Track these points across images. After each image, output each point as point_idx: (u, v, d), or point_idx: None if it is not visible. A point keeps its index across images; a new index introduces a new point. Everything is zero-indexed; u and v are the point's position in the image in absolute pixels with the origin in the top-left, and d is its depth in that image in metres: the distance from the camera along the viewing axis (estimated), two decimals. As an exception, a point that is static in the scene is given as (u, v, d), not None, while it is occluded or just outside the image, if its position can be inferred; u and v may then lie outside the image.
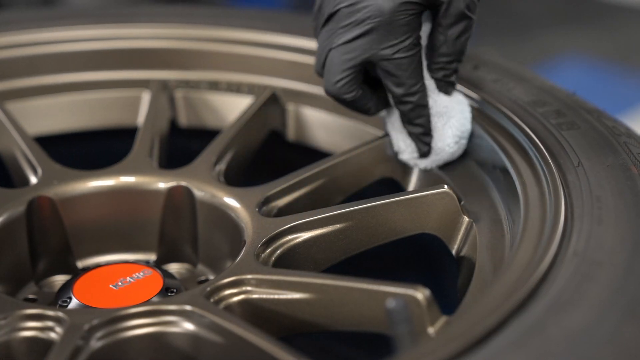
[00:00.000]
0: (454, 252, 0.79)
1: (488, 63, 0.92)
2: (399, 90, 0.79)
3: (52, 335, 0.67)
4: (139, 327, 0.68)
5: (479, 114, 0.85)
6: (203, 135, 0.95)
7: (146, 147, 0.90)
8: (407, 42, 0.77)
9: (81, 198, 0.85)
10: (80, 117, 1.00)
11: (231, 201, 0.82)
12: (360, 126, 0.94)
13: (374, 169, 0.88)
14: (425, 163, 0.84)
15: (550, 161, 0.75)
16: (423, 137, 0.82)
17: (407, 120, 0.81)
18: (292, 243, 0.77)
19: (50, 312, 0.68)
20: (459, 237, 0.78)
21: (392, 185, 0.88)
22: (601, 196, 0.70)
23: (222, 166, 0.88)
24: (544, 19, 2.81)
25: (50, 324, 0.68)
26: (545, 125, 0.81)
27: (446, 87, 0.82)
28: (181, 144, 0.97)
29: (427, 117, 0.81)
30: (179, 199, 0.85)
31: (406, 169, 0.87)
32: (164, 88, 0.99)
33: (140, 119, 0.98)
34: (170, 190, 0.85)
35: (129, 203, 0.86)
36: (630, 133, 0.80)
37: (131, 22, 1.02)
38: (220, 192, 0.83)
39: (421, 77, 0.80)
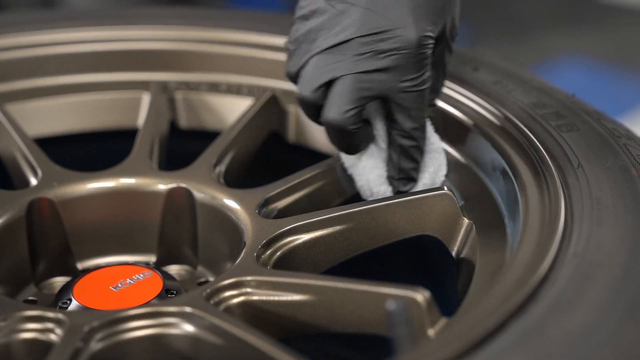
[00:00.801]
0: (453, 253, 0.79)
1: (487, 65, 0.92)
2: (408, 124, 0.76)
3: (52, 337, 0.67)
4: (139, 329, 0.68)
5: (479, 116, 0.85)
6: (203, 137, 0.95)
7: (146, 148, 0.90)
8: (425, 75, 0.75)
9: (81, 200, 0.85)
10: (81, 118, 1.00)
11: (231, 203, 0.82)
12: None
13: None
14: None
15: (550, 163, 0.75)
16: (413, 173, 0.79)
17: (406, 155, 0.78)
18: (292, 245, 0.77)
19: (50, 314, 0.68)
20: (459, 238, 0.78)
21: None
22: (601, 198, 0.70)
23: (222, 168, 0.88)
24: (543, 20, 2.81)
25: (50, 325, 0.68)
26: (544, 127, 0.81)
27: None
28: (181, 146, 0.97)
29: (423, 151, 0.79)
30: (179, 200, 0.85)
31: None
32: (164, 90, 0.99)
33: (140, 120, 0.98)
34: (170, 192, 0.85)
35: (129, 205, 0.86)
36: (630, 135, 0.80)
37: (131, 23, 1.02)
38: (220, 193, 0.84)
39: (426, 110, 0.78)
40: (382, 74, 0.73)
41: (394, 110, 0.76)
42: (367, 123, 0.79)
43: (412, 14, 0.73)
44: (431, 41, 0.74)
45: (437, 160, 0.81)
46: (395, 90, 0.74)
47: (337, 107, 0.74)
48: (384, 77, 0.73)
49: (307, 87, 0.75)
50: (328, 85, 0.75)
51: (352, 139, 0.77)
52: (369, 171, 0.80)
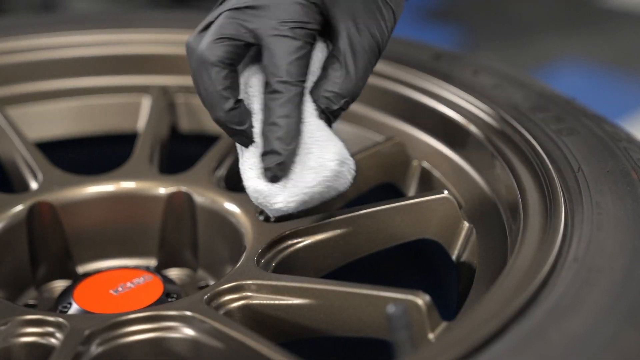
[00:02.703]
0: (454, 257, 0.79)
1: (488, 68, 0.92)
2: (274, 78, 0.70)
3: (53, 340, 0.67)
4: (140, 333, 0.68)
5: (479, 120, 0.85)
6: (203, 141, 0.95)
7: (146, 152, 0.90)
8: (306, 35, 0.70)
9: (82, 203, 0.86)
10: (81, 122, 1.00)
11: (231, 206, 0.82)
12: (359, 132, 0.94)
13: (374, 174, 0.88)
14: (279, 199, 0.71)
15: (550, 167, 0.75)
16: (276, 168, 0.70)
17: (268, 143, 0.70)
18: (292, 248, 0.77)
19: (50, 318, 0.68)
20: (459, 242, 0.78)
21: (392, 190, 0.89)
22: (601, 202, 0.71)
23: (222, 171, 0.88)
24: (543, 24, 2.81)
25: (50, 329, 0.68)
26: (545, 131, 0.81)
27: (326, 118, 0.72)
28: (181, 150, 0.97)
29: (293, 138, 0.70)
30: (180, 204, 0.85)
31: (406, 174, 0.88)
32: (164, 93, 0.99)
33: (141, 124, 0.98)
34: (171, 196, 0.85)
35: (129, 208, 0.86)
36: (630, 138, 0.80)
37: (131, 27, 1.03)
38: (220, 197, 0.84)
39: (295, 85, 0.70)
40: (257, 10, 0.70)
41: (264, 59, 0.70)
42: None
43: None
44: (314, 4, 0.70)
45: (318, 156, 0.70)
46: (269, 29, 0.69)
47: (205, 39, 0.70)
48: (258, 13, 0.70)
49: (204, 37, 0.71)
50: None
51: (225, 102, 0.70)
52: (242, 163, 0.72)
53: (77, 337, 0.66)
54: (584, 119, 0.83)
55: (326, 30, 0.73)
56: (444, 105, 0.88)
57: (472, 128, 0.84)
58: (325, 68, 0.72)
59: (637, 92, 2.43)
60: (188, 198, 0.85)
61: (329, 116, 0.72)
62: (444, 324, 0.66)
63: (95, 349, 0.66)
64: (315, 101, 0.72)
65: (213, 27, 0.71)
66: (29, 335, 0.68)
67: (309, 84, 0.72)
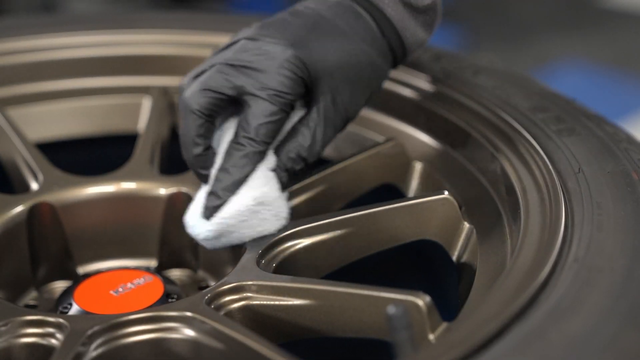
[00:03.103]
0: (454, 258, 0.79)
1: (488, 69, 0.92)
2: (243, 132, 0.75)
3: (53, 341, 0.67)
4: (140, 334, 0.68)
5: (479, 120, 0.85)
6: (204, 142, 0.95)
7: (147, 153, 0.90)
8: (284, 106, 0.75)
9: (82, 204, 0.86)
10: (81, 123, 1.00)
11: (232, 207, 0.82)
12: (360, 132, 0.94)
13: (375, 175, 0.88)
14: (200, 230, 0.75)
15: (550, 167, 0.75)
16: (212, 198, 0.75)
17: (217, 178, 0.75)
18: (292, 249, 0.77)
19: (50, 319, 0.68)
20: (460, 243, 0.78)
21: (393, 191, 0.89)
22: (602, 202, 0.70)
23: (222, 172, 0.88)
24: (543, 24, 2.81)
25: (51, 330, 0.68)
26: (545, 131, 0.81)
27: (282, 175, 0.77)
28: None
29: (234, 183, 0.75)
30: (180, 205, 0.85)
31: (407, 175, 0.88)
32: (164, 94, 0.99)
33: (141, 125, 0.98)
34: (171, 197, 0.85)
35: (129, 209, 0.87)
36: (630, 139, 0.80)
37: (132, 28, 1.03)
38: (220, 198, 0.83)
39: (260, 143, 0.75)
40: (246, 70, 0.75)
41: (242, 113, 0.75)
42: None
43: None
44: (297, 73, 0.75)
45: (241, 195, 0.75)
46: (252, 88, 0.74)
47: (193, 87, 0.75)
48: (247, 72, 0.75)
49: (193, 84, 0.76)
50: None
51: (196, 140, 0.75)
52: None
53: (77, 338, 0.66)
54: (584, 120, 0.83)
55: (306, 95, 0.77)
56: (444, 105, 0.88)
57: (473, 128, 0.84)
58: (294, 130, 0.77)
59: (638, 93, 2.43)
60: (188, 199, 0.85)
61: (286, 173, 0.77)
62: (444, 325, 0.66)
63: (95, 350, 0.66)
64: (278, 158, 0.77)
65: (202, 77, 0.76)
66: (30, 336, 0.68)
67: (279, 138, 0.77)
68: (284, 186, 0.77)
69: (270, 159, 0.77)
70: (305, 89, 0.77)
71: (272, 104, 0.74)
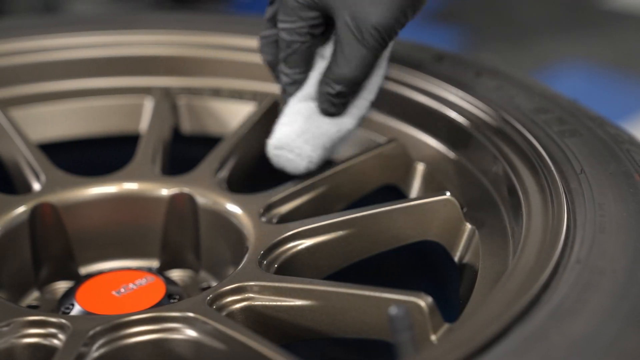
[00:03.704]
0: (456, 259, 0.79)
1: (490, 70, 0.92)
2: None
3: (55, 341, 0.68)
4: (142, 334, 0.68)
5: (481, 122, 0.85)
6: (206, 142, 0.95)
7: (149, 154, 0.90)
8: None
9: (84, 205, 0.86)
10: (83, 123, 1.00)
11: (234, 208, 0.82)
12: (362, 133, 0.94)
13: (376, 175, 0.88)
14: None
15: (552, 168, 0.75)
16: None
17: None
18: (294, 250, 0.77)
19: (53, 319, 0.68)
20: (462, 244, 0.78)
21: (395, 192, 0.89)
22: (604, 204, 0.70)
23: (224, 173, 0.88)
24: (545, 25, 2.81)
25: (53, 330, 0.68)
26: (547, 133, 0.81)
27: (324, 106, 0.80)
28: (184, 151, 0.97)
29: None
30: (182, 205, 0.85)
31: (408, 176, 0.88)
32: (166, 95, 0.99)
33: (143, 125, 0.98)
34: (173, 197, 0.86)
35: (131, 210, 0.87)
36: (633, 140, 0.80)
37: (134, 29, 1.03)
38: (222, 199, 0.84)
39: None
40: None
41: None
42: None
43: None
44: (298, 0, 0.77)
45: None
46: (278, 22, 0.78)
47: None
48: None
49: None
50: None
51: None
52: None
53: (79, 338, 0.66)
54: (586, 121, 0.83)
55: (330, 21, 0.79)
56: (446, 106, 0.88)
57: (475, 130, 0.85)
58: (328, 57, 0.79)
59: (639, 94, 2.43)
60: (190, 199, 0.85)
61: (327, 101, 0.79)
62: (446, 326, 0.66)
63: (97, 350, 0.66)
64: (317, 87, 0.80)
65: None
66: (32, 337, 0.68)
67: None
68: (330, 114, 0.79)
69: (305, 91, 0.80)
70: (320, 13, 0.78)
71: (287, 35, 0.78)
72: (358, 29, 0.76)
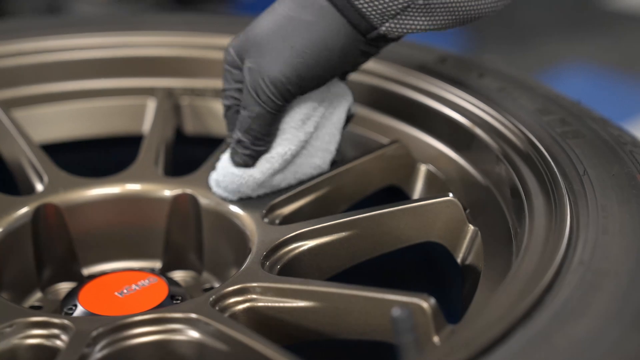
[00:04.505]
0: (459, 260, 0.79)
1: (493, 71, 0.92)
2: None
3: (58, 342, 0.68)
4: (145, 335, 0.68)
5: (484, 123, 0.85)
6: (208, 143, 0.95)
7: (152, 154, 0.90)
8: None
9: (87, 205, 0.86)
10: (86, 124, 1.00)
11: (236, 209, 0.82)
12: (364, 134, 0.94)
13: (379, 177, 0.88)
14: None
15: (555, 170, 0.75)
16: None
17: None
18: (297, 251, 0.77)
19: (55, 320, 0.68)
20: (464, 245, 0.78)
21: (397, 193, 0.89)
22: (607, 205, 0.70)
23: (227, 174, 0.88)
24: (548, 27, 2.81)
25: (55, 331, 0.68)
26: (550, 134, 0.81)
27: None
28: (186, 152, 0.97)
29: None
30: (185, 206, 0.85)
31: (411, 177, 0.87)
32: (169, 96, 0.99)
33: (146, 126, 0.98)
34: (176, 198, 0.86)
35: (134, 211, 0.87)
36: (635, 142, 0.80)
37: (137, 29, 1.03)
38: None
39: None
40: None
41: None
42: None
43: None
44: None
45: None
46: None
47: None
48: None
49: None
50: None
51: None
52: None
53: (82, 339, 0.66)
54: (589, 122, 0.83)
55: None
56: (449, 108, 0.88)
57: (477, 131, 0.84)
58: None
59: (642, 95, 2.43)
60: (193, 200, 0.85)
61: (233, 149, 0.82)
62: (449, 327, 0.66)
63: (100, 351, 0.66)
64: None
65: None
66: (35, 337, 0.68)
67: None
68: (235, 162, 0.81)
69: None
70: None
71: (224, 100, 0.82)
72: (252, 81, 0.78)
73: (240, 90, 0.80)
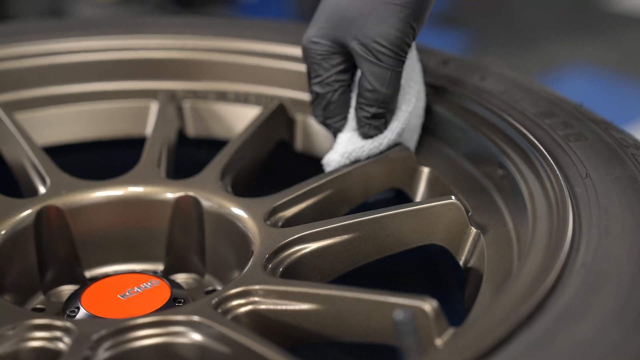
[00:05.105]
0: (461, 263, 0.79)
1: (495, 74, 0.92)
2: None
3: (60, 345, 0.68)
4: (147, 338, 0.68)
5: (486, 126, 0.85)
6: (211, 146, 0.96)
7: (154, 157, 0.90)
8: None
9: (89, 208, 0.86)
10: (89, 127, 1.00)
11: (239, 211, 0.82)
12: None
13: (381, 179, 0.88)
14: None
15: (557, 172, 0.75)
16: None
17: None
18: (299, 254, 0.77)
19: (58, 322, 0.68)
20: (467, 248, 0.78)
21: (400, 196, 0.89)
22: (609, 208, 0.70)
23: (229, 176, 0.88)
24: (550, 29, 2.81)
25: (58, 334, 0.68)
26: (552, 137, 0.81)
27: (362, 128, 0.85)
28: (189, 154, 0.97)
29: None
30: (187, 209, 0.85)
31: (413, 180, 0.88)
32: (171, 98, 0.99)
33: (149, 129, 0.98)
34: (178, 201, 0.86)
35: (136, 213, 0.87)
36: (638, 144, 0.80)
37: (139, 32, 1.03)
38: (227, 202, 0.84)
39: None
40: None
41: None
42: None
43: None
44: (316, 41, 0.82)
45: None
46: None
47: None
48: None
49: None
50: None
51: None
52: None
53: (84, 342, 0.66)
54: (591, 125, 0.83)
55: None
56: (451, 110, 0.88)
57: (480, 133, 0.84)
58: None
59: (644, 98, 2.43)
60: (195, 203, 0.85)
61: (368, 124, 0.85)
62: (451, 330, 0.66)
63: (102, 354, 0.66)
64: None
65: None
66: (37, 340, 0.68)
67: None
68: (370, 136, 0.85)
69: (349, 125, 0.86)
70: (342, 56, 0.83)
71: (320, 88, 0.85)
72: (368, 51, 0.80)
73: (343, 72, 0.83)
